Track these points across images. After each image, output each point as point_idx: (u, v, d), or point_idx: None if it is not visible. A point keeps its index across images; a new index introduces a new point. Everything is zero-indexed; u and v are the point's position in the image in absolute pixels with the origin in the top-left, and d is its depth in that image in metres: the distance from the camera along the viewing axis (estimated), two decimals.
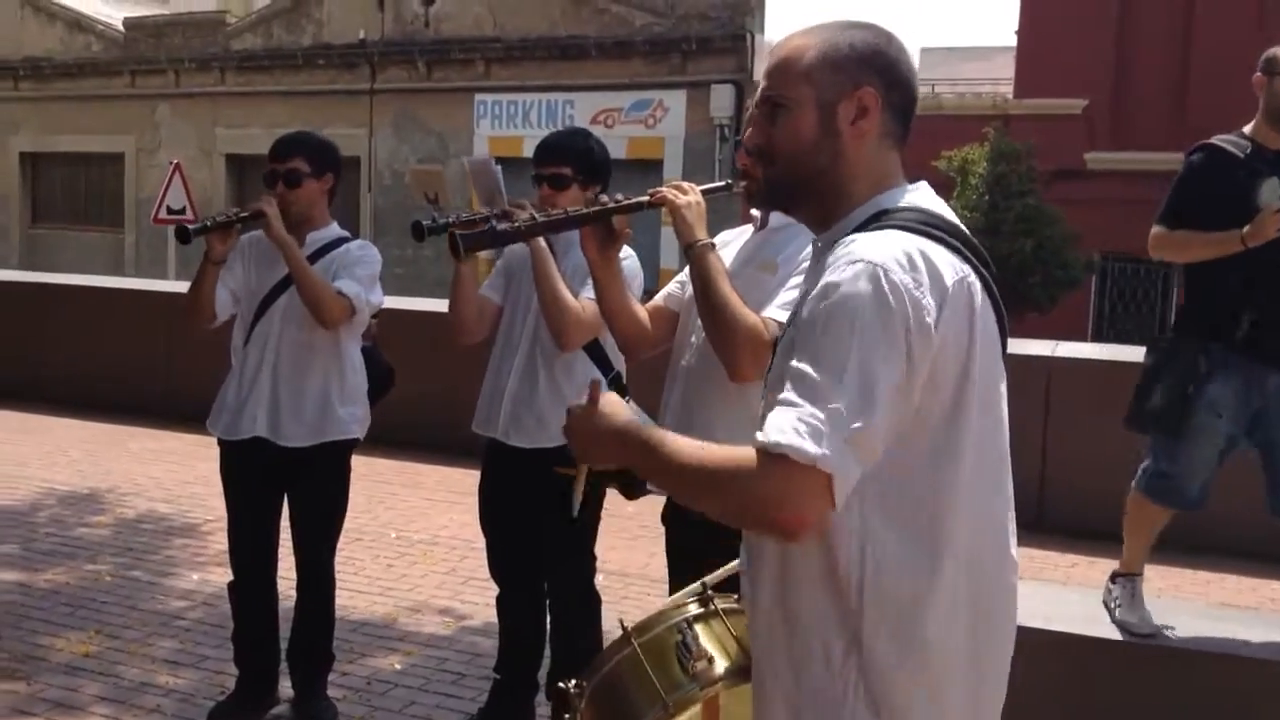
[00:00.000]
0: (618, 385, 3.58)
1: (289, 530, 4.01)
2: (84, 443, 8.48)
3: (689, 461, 1.62)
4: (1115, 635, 3.64)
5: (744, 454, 1.56)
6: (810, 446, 1.50)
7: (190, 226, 3.68)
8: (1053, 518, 6.39)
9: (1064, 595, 4.28)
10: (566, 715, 2.11)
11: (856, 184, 1.77)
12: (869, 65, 1.75)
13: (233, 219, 3.72)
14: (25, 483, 7.23)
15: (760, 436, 1.54)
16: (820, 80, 1.75)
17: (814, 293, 1.62)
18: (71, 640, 4.68)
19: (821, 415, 1.51)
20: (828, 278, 1.60)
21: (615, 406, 1.78)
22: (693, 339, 2.80)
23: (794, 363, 1.58)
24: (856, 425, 1.52)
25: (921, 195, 1.78)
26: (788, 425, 1.52)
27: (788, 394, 1.56)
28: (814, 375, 1.54)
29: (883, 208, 1.73)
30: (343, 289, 3.76)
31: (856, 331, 1.54)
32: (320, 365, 3.86)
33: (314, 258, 3.83)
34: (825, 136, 1.75)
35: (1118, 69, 18.55)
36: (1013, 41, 20.08)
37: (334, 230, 3.97)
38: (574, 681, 2.10)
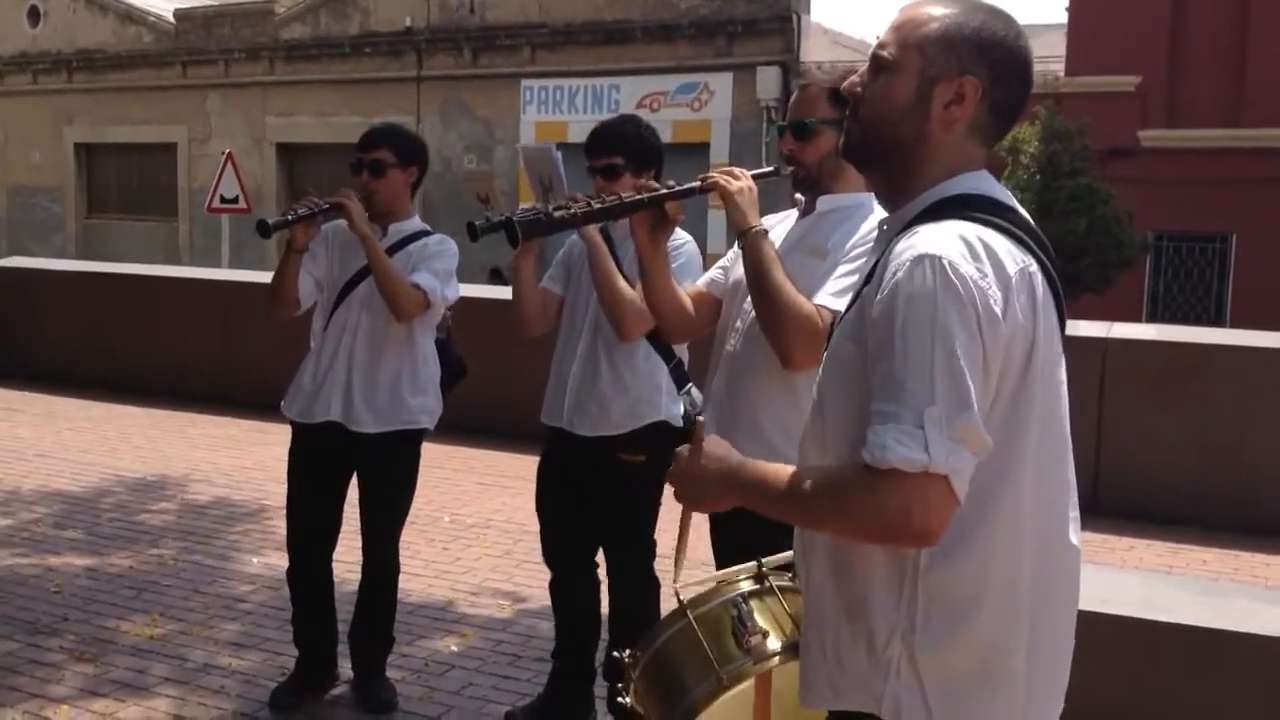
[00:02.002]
0: (679, 374, 3.63)
1: (350, 516, 4.07)
2: (145, 430, 8.64)
3: (803, 495, 1.65)
4: (1173, 619, 3.62)
5: (854, 476, 1.58)
6: (919, 454, 1.52)
7: (270, 221, 3.72)
8: (1109, 500, 6.36)
9: (1121, 578, 4.25)
10: (620, 684, 2.15)
11: (931, 167, 1.75)
12: (983, 55, 1.72)
13: (314, 211, 3.77)
14: (89, 469, 7.38)
15: (866, 455, 1.55)
16: (931, 53, 1.72)
17: (884, 291, 1.62)
18: (137, 623, 4.79)
19: (921, 420, 1.53)
20: (896, 277, 1.61)
21: (718, 449, 1.80)
22: (738, 324, 2.80)
23: (881, 367, 1.59)
24: (959, 420, 1.53)
25: (986, 182, 1.77)
26: (890, 439, 1.53)
27: (882, 405, 1.56)
28: (902, 379, 1.55)
29: (948, 194, 1.73)
30: (419, 282, 3.82)
31: (935, 328, 1.55)
32: (394, 355, 3.92)
33: (394, 249, 3.89)
34: (915, 111, 1.74)
35: (1171, 45, 18.23)
36: (1064, 18, 19.78)
37: (416, 223, 4.03)
38: (629, 650, 2.14)
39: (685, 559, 2.15)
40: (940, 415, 1.53)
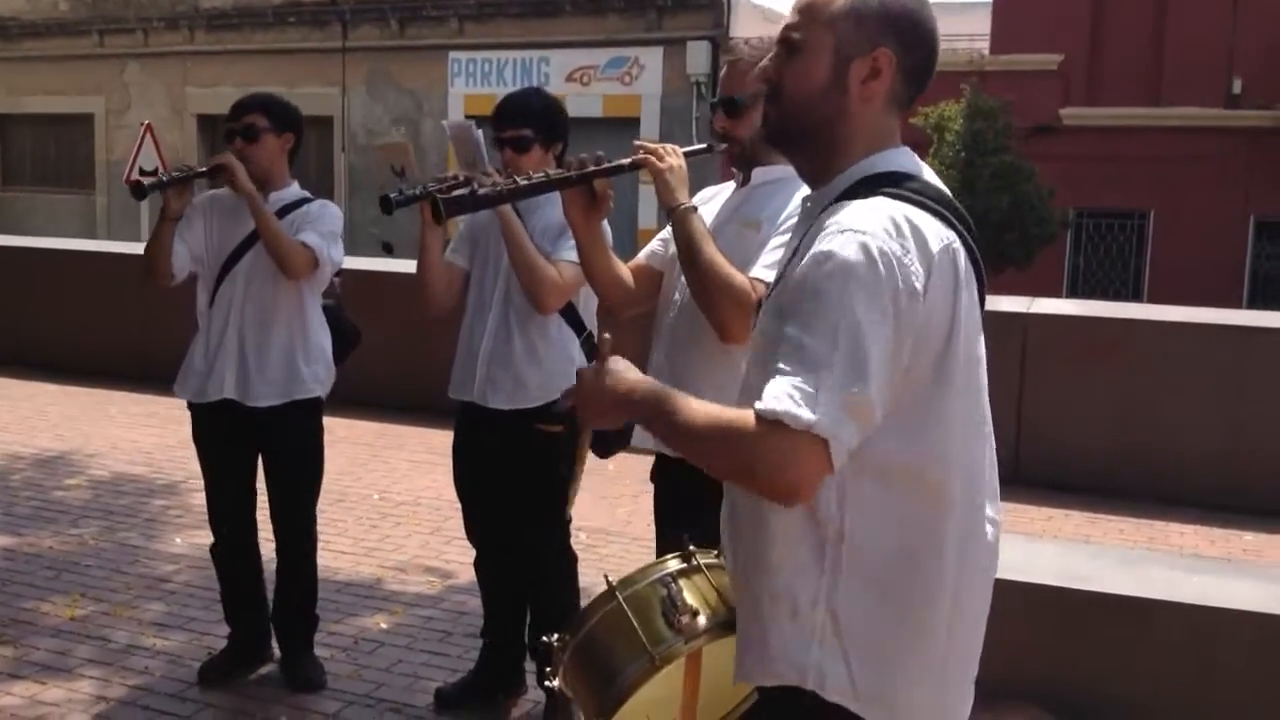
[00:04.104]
0: (589, 345, 3.62)
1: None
2: (63, 407, 8.45)
3: (698, 423, 1.66)
4: (1089, 587, 3.71)
5: (743, 420, 1.60)
6: (805, 413, 1.54)
7: (145, 182, 3.63)
8: (1029, 471, 6.48)
9: (1040, 547, 4.35)
10: (549, 669, 2.15)
11: (853, 144, 1.77)
12: (892, 26, 1.73)
13: (189, 174, 3.71)
14: (4, 447, 7.21)
15: (758, 404, 1.58)
16: (842, 31, 1.74)
17: (804, 261, 1.64)
18: (57, 604, 4.69)
19: (815, 382, 1.55)
20: (818, 246, 1.63)
21: (623, 366, 1.80)
22: (676, 297, 2.81)
23: (787, 330, 1.61)
24: (851, 391, 1.55)
25: (908, 159, 1.79)
26: (782, 392, 1.56)
27: (783, 362, 1.59)
28: (807, 343, 1.58)
29: (873, 171, 1.74)
30: (306, 240, 3.78)
31: (847, 299, 1.57)
32: (284, 324, 3.87)
33: (276, 217, 3.82)
34: (833, 89, 1.75)
35: (1093, 25, 18.54)
36: None
37: (295, 190, 3.98)
38: (556, 635, 2.14)
39: (579, 487, 2.15)
40: (835, 382, 1.55)
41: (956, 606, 1.73)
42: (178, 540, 5.52)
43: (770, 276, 2.55)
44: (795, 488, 1.59)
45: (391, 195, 3.19)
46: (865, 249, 1.59)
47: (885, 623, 1.69)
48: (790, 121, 1.80)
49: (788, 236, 2.61)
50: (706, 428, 1.65)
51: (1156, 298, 16.06)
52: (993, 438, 1.82)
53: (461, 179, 3.27)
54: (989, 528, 1.79)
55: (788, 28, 1.79)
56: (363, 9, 20.25)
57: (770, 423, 1.56)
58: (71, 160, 23.60)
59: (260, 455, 3.99)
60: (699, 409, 1.67)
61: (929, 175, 1.78)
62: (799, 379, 1.56)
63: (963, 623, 1.76)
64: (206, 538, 4.17)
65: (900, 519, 1.68)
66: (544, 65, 18.93)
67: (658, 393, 1.74)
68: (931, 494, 1.69)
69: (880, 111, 1.77)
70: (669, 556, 2.16)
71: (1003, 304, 6.89)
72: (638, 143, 2.80)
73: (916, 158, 1.81)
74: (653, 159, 2.70)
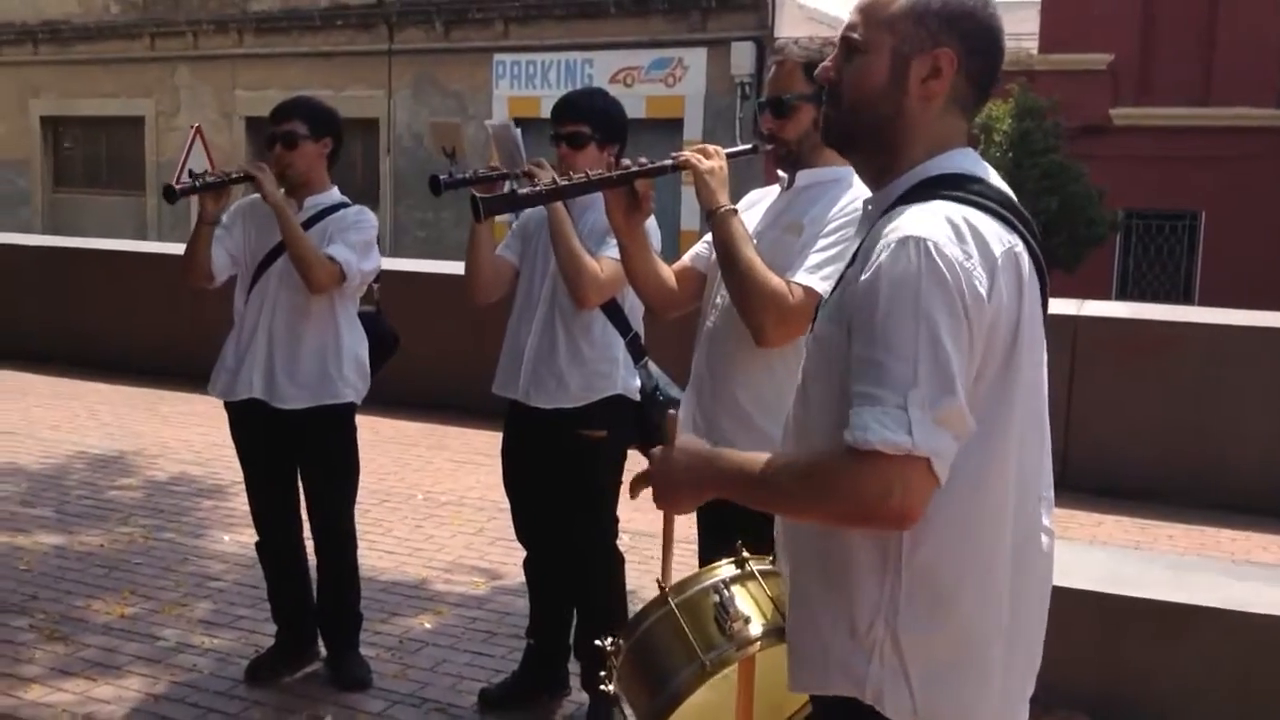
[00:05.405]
0: (636, 347, 3.63)
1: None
2: (114, 406, 8.57)
3: (781, 479, 1.65)
4: (1139, 593, 3.66)
5: (834, 459, 1.58)
6: (900, 436, 1.51)
7: (176, 187, 3.67)
8: (1077, 475, 6.40)
9: (1089, 553, 4.30)
10: (603, 673, 2.15)
11: (914, 145, 1.74)
12: (954, 26, 1.71)
13: (223, 180, 3.75)
14: (57, 447, 7.32)
15: (848, 436, 1.55)
16: (901, 30, 1.71)
17: (869, 271, 1.61)
18: (108, 602, 4.76)
19: (904, 402, 1.52)
20: (880, 256, 1.59)
21: (690, 444, 1.79)
22: (717, 300, 2.79)
23: (860, 350, 1.58)
24: (942, 402, 1.53)
25: (970, 160, 1.75)
26: (872, 421, 1.53)
27: (864, 387, 1.56)
28: (887, 362, 1.55)
29: (934, 174, 1.71)
30: (334, 254, 3.80)
31: (919, 310, 1.54)
32: (315, 329, 3.90)
33: (311, 222, 3.86)
34: (893, 89, 1.73)
35: (1144, 23, 18.29)
36: None
37: (334, 195, 4.00)
38: (610, 639, 2.14)
39: (673, 557, 2.15)
40: (924, 398, 1.53)
41: (1014, 620, 1.70)
42: (226, 539, 5.59)
43: (809, 279, 2.54)
44: (905, 511, 1.55)
45: (441, 177, 3.25)
46: (928, 255, 1.56)
47: (945, 640, 1.66)
48: (850, 122, 1.78)
49: (832, 238, 2.61)
50: (794, 482, 1.63)
51: (1207, 300, 15.82)
52: (1049, 445, 1.78)
53: (505, 173, 3.34)
54: (1044, 538, 1.76)
55: (848, 28, 1.77)
56: (408, 11, 20.38)
57: (865, 453, 1.53)
58: (122, 162, 23.93)
59: (297, 459, 4.02)
60: (779, 462, 1.66)
61: (992, 177, 1.75)
62: (887, 403, 1.53)
63: (1021, 637, 1.73)
64: (252, 536, 4.22)
65: (958, 531, 1.65)
66: (588, 67, 18.97)
67: (728, 467, 1.72)
68: (989, 505, 1.66)
69: (942, 112, 1.74)
70: (722, 562, 2.15)
71: (1052, 306, 6.73)
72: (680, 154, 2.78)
73: (979, 159, 1.78)
74: (694, 160, 2.69)
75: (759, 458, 1.69)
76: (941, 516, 1.63)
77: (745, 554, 2.11)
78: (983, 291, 1.57)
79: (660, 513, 1.99)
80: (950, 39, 1.70)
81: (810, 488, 1.62)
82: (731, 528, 2.19)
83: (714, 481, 1.75)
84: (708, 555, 2.71)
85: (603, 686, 2.13)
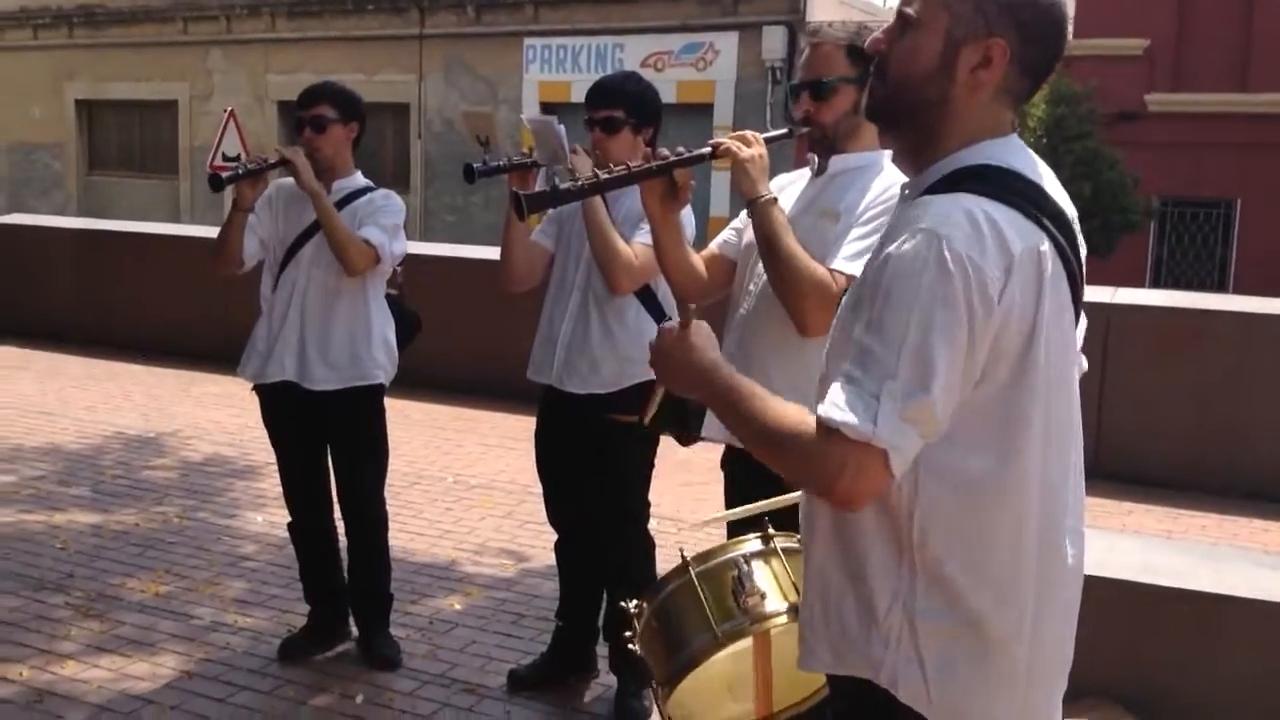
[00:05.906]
0: None
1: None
2: (148, 387, 8.66)
3: (764, 420, 1.65)
4: (1171, 583, 3.64)
5: (803, 423, 1.60)
6: (864, 423, 1.52)
7: (224, 175, 3.77)
8: (1109, 464, 6.37)
9: (1120, 542, 4.28)
10: (628, 634, 2.18)
11: (953, 133, 1.70)
12: (1013, 14, 1.65)
13: (264, 166, 3.80)
14: (92, 426, 7.41)
15: (820, 410, 1.56)
16: (958, 12, 1.66)
17: (879, 258, 1.61)
18: (143, 580, 4.82)
19: (878, 390, 1.53)
20: (893, 245, 1.58)
21: (707, 340, 1.79)
22: (750, 287, 2.79)
23: (856, 332, 1.59)
24: (914, 399, 1.52)
25: (1004, 151, 1.70)
26: (843, 400, 1.54)
27: (849, 366, 1.57)
28: (873, 347, 1.55)
29: (967, 164, 1.67)
30: (368, 237, 3.84)
31: (917, 302, 1.53)
32: (346, 311, 3.94)
33: (339, 206, 3.90)
34: (940, 74, 1.68)
35: (1180, 9, 18.08)
36: None
37: (359, 179, 4.04)
38: (635, 601, 2.17)
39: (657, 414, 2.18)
40: (898, 391, 1.52)
41: (1038, 625, 1.68)
42: (259, 519, 5.64)
43: (851, 268, 2.52)
44: (850, 496, 1.57)
45: (475, 166, 3.27)
46: (939, 249, 1.53)
47: (961, 634, 1.65)
48: (894, 99, 1.73)
49: (869, 225, 2.59)
50: (772, 427, 1.64)
51: (1243, 289, 15.66)
52: (1080, 447, 1.74)
53: (537, 161, 3.37)
54: (1068, 541, 1.71)
55: (904, 2, 1.72)
56: None
57: (830, 430, 1.55)
58: (156, 146, 24.07)
59: (327, 441, 4.06)
60: (771, 407, 1.66)
61: (1029, 168, 1.70)
62: (862, 386, 1.54)
63: (1046, 640, 1.70)
64: (285, 516, 4.26)
65: (974, 529, 1.63)
66: (618, 51, 18.92)
67: (735, 382, 1.72)
68: (1008, 506, 1.64)
69: (988, 102, 1.69)
70: (748, 536, 2.17)
71: (1085, 294, 6.76)
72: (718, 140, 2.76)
73: (1021, 148, 1.73)
74: (735, 148, 2.65)
75: (749, 390, 1.70)
76: (949, 512, 1.62)
77: (771, 530, 2.12)
78: (993, 292, 1.55)
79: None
80: (1006, 28, 1.65)
81: (774, 440, 1.64)
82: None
83: (705, 391, 1.77)
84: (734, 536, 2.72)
85: (628, 645, 2.17)
